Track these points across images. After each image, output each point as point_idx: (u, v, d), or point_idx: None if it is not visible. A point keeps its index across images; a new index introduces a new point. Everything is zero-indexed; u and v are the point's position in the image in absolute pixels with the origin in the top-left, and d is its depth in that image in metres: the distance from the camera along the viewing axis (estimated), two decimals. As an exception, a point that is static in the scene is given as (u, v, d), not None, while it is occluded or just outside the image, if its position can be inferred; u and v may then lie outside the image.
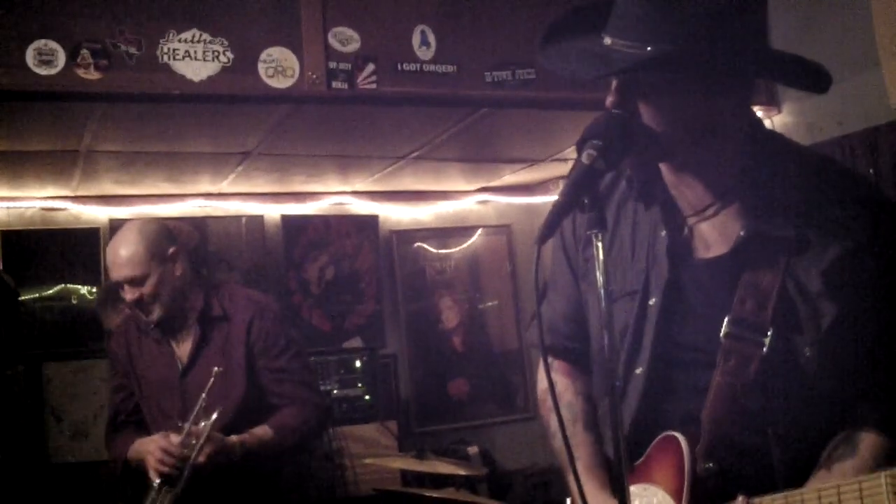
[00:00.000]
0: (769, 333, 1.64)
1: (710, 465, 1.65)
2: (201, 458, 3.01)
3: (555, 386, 2.02)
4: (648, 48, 1.58)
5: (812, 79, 1.63)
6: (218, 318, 3.32)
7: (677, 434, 1.70)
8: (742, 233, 1.69)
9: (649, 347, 1.76)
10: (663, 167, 1.79)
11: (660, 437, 1.74)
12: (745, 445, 1.65)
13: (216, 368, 3.13)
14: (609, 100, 1.66)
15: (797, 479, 1.61)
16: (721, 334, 1.68)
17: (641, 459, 1.76)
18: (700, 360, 1.72)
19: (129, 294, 3.25)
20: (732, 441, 1.65)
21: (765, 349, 1.64)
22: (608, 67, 1.63)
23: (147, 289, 3.22)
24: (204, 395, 3.11)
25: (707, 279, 1.75)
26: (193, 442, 3.05)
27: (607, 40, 1.65)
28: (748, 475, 1.61)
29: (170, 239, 3.32)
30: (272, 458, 3.26)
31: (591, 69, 1.66)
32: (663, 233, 1.78)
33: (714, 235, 1.75)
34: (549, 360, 2.06)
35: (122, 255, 3.23)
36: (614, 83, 1.65)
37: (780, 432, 1.64)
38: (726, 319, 1.68)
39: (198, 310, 3.32)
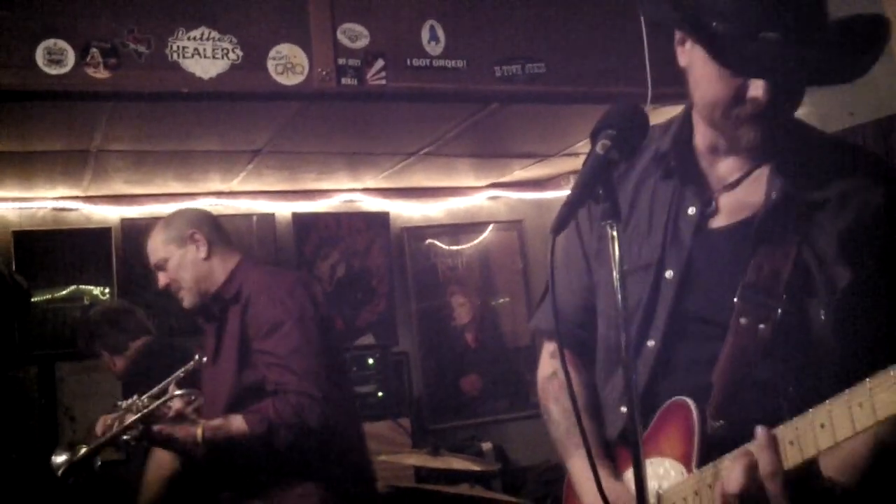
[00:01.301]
0: (784, 297, 1.66)
1: (721, 422, 1.65)
2: (126, 436, 3.00)
3: (558, 374, 2.04)
4: (819, 48, 1.64)
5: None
6: (230, 300, 3.25)
7: (685, 398, 1.70)
8: (771, 197, 1.71)
9: (664, 320, 1.77)
10: (702, 145, 1.81)
11: (665, 405, 1.74)
12: (756, 407, 1.65)
13: (197, 357, 3.16)
14: (758, 96, 1.64)
15: None
16: (735, 298, 1.69)
17: (645, 433, 1.76)
18: (710, 333, 1.73)
19: (160, 280, 3.34)
20: (743, 402, 1.66)
21: (779, 312, 1.65)
22: (793, 70, 1.65)
23: (170, 273, 3.29)
24: (173, 381, 3.11)
25: (722, 248, 1.76)
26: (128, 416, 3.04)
27: (767, 34, 1.61)
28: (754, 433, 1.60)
29: (190, 222, 3.34)
30: (260, 454, 3.02)
31: (778, 72, 1.65)
32: (692, 210, 1.79)
33: (734, 205, 1.77)
34: (553, 347, 2.10)
35: (150, 243, 3.35)
36: (764, 83, 1.63)
37: (791, 395, 1.64)
38: (741, 283, 1.69)
39: (216, 293, 3.29)
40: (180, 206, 5.65)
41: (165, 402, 3.07)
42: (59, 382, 5.46)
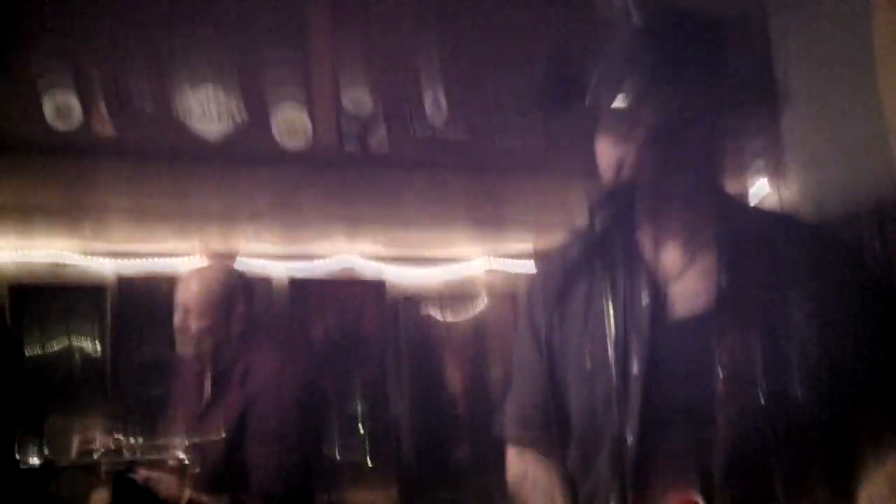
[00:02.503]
0: (764, 382, 1.65)
1: None
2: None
3: (533, 480, 1.99)
4: (670, 102, 1.63)
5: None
6: (231, 379, 3.26)
7: (692, 495, 1.67)
8: (721, 283, 1.71)
9: (637, 416, 1.74)
10: (644, 235, 1.81)
11: (671, 502, 1.71)
12: (755, 493, 1.64)
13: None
14: (627, 161, 1.67)
15: None
16: (719, 389, 1.67)
17: None
18: (690, 421, 1.71)
19: (178, 319, 3.23)
20: (743, 491, 1.64)
21: (761, 398, 1.64)
22: (634, 127, 1.66)
23: (197, 325, 3.21)
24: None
25: (688, 339, 1.74)
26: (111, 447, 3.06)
27: (618, 101, 1.67)
28: None
29: (245, 296, 3.32)
30: None
31: (615, 128, 1.69)
32: (645, 302, 1.78)
33: (688, 294, 1.77)
34: (522, 450, 2.05)
35: (196, 283, 3.26)
36: (631, 146, 1.67)
37: (786, 476, 1.63)
38: (722, 376, 1.68)
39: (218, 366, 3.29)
40: (179, 264, 5.72)
41: (166, 457, 3.07)
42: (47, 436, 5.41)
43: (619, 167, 1.68)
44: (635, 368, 1.75)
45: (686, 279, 1.77)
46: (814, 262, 1.72)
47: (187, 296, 3.25)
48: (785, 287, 1.70)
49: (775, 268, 1.72)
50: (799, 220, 1.90)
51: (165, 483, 3.04)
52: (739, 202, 1.89)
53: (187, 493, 3.02)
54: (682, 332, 1.75)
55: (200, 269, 3.41)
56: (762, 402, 1.65)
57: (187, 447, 3.11)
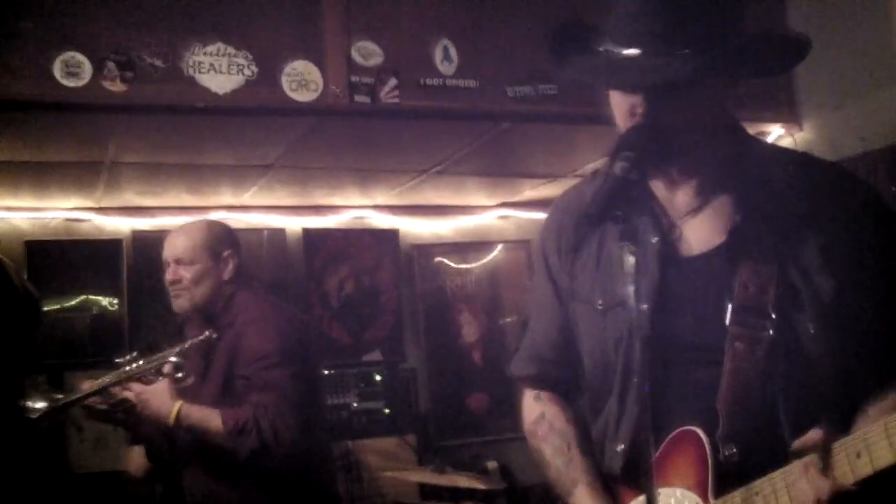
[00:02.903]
0: (773, 316, 1.66)
1: (732, 450, 1.65)
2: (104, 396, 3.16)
3: (550, 419, 2.03)
4: (681, 53, 1.62)
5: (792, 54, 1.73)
6: (225, 325, 3.30)
7: (693, 427, 1.69)
8: (738, 218, 1.72)
9: (645, 352, 1.75)
10: (656, 176, 1.82)
11: (670, 436, 1.74)
12: (759, 427, 1.66)
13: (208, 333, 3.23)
14: (635, 111, 1.68)
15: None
16: (727, 323, 1.69)
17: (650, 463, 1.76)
18: (699, 359, 1.73)
19: (169, 273, 3.32)
20: (749, 426, 1.66)
21: (771, 332, 1.66)
22: (645, 77, 1.66)
23: (189, 274, 3.29)
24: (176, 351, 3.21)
25: (699, 275, 1.76)
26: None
27: (628, 51, 1.67)
28: (764, 455, 1.61)
29: (231, 242, 3.39)
30: (222, 456, 3.12)
31: (626, 80, 1.70)
32: (654, 239, 1.79)
33: (701, 232, 1.78)
34: (537, 391, 2.09)
35: (181, 236, 3.36)
36: (636, 96, 1.68)
37: (791, 410, 1.65)
38: (730, 308, 1.69)
39: (216, 313, 3.34)
40: (191, 219, 5.74)
41: (159, 365, 3.16)
42: (67, 392, 5.47)
43: (632, 115, 1.69)
44: (644, 306, 1.76)
45: (700, 216, 1.78)
46: (827, 199, 1.72)
47: (174, 249, 3.35)
48: (798, 224, 1.71)
49: (789, 205, 1.72)
50: (813, 158, 1.90)
51: (158, 396, 3.10)
52: (754, 140, 1.89)
53: (178, 404, 3.08)
54: (695, 269, 1.77)
55: (182, 225, 3.50)
56: (770, 338, 1.66)
57: (180, 352, 3.22)
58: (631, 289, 1.73)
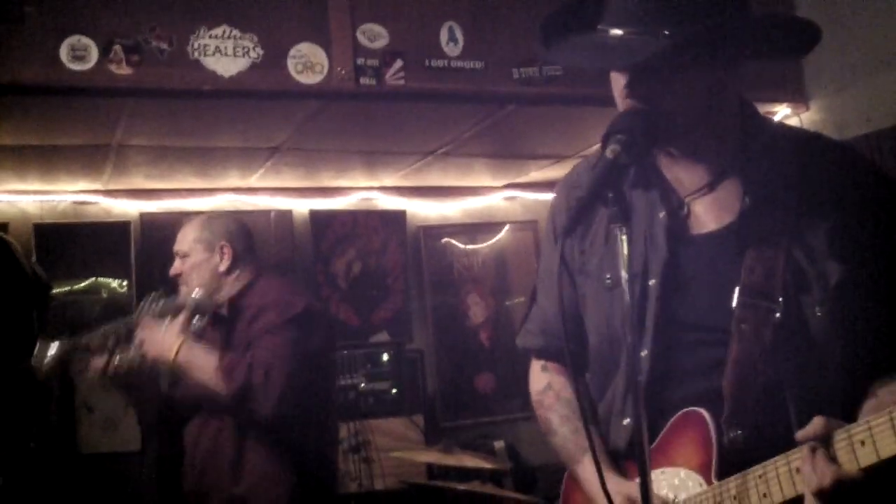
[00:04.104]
0: (780, 299, 1.66)
1: (738, 432, 1.65)
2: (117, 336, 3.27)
3: (556, 389, 2.04)
4: (665, 33, 1.61)
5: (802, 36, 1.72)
6: (239, 313, 3.36)
7: (698, 409, 1.70)
8: (747, 200, 1.72)
9: (651, 329, 1.76)
10: (664, 154, 1.82)
11: (675, 416, 1.74)
12: (765, 410, 1.66)
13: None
14: (625, 91, 1.69)
15: None
16: (734, 304, 1.69)
17: (654, 444, 1.76)
18: (705, 339, 1.74)
19: (174, 267, 3.45)
20: (754, 409, 1.66)
21: (778, 315, 1.66)
22: (629, 56, 1.66)
23: (185, 267, 3.41)
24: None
25: (707, 254, 1.76)
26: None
27: (614, 31, 1.67)
28: (769, 439, 1.61)
29: (226, 233, 3.44)
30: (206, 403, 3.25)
31: (610, 60, 1.71)
32: (662, 214, 1.80)
33: (711, 211, 1.78)
34: (544, 362, 2.11)
35: (183, 230, 3.48)
36: (627, 76, 1.68)
37: (797, 394, 1.65)
38: (737, 289, 1.69)
39: (229, 301, 3.39)
40: (199, 201, 5.76)
41: (179, 305, 3.26)
42: (76, 374, 5.49)
43: (625, 96, 1.70)
44: (652, 282, 1.77)
45: (711, 196, 1.79)
46: (836, 180, 1.72)
47: (177, 243, 3.47)
48: (807, 205, 1.70)
49: (798, 186, 1.72)
50: (823, 138, 1.89)
51: (164, 333, 3.20)
52: (765, 120, 1.88)
53: (182, 340, 3.17)
54: (703, 248, 1.77)
55: (191, 219, 3.56)
56: (777, 321, 1.66)
57: (202, 295, 3.32)
58: (641, 264, 1.75)
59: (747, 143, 1.78)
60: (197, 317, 3.26)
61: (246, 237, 3.51)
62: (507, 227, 6.77)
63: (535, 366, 2.16)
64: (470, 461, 4.48)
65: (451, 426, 6.28)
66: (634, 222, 1.80)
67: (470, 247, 6.67)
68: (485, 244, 6.72)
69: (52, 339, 3.26)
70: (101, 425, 5.47)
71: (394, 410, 5.78)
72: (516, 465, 5.89)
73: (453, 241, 6.62)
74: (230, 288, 3.40)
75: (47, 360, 3.20)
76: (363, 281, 6.27)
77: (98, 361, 3.32)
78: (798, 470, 1.50)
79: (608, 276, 1.85)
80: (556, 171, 6.26)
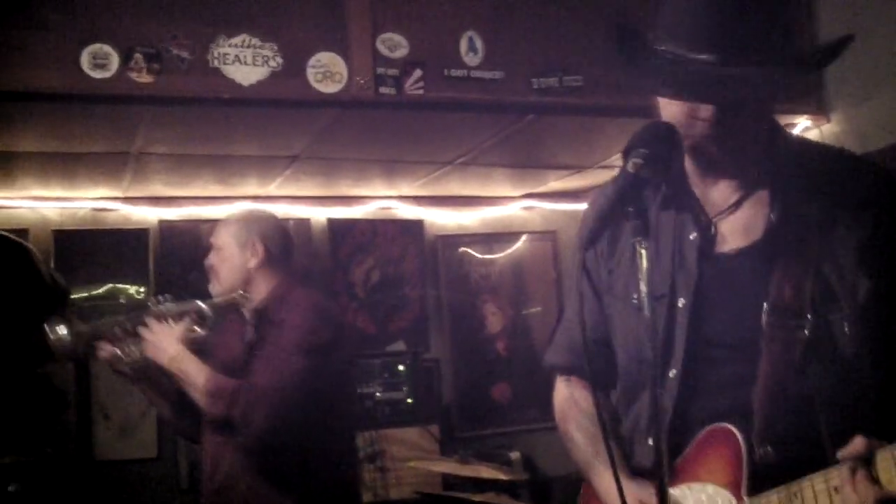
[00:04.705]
0: (808, 316, 1.65)
1: (768, 448, 1.64)
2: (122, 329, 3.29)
3: (577, 400, 2.04)
4: (755, 61, 1.60)
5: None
6: (270, 321, 3.33)
7: (728, 424, 1.68)
8: (773, 217, 1.72)
9: (682, 348, 1.75)
10: (690, 170, 1.81)
11: (703, 432, 1.73)
12: (796, 426, 1.65)
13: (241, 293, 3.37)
14: (703, 116, 1.66)
15: None
16: (763, 322, 1.68)
17: (680, 459, 1.75)
18: (734, 357, 1.73)
19: (207, 259, 3.48)
20: (784, 426, 1.65)
21: (807, 331, 1.65)
22: (724, 91, 1.63)
23: (216, 260, 3.43)
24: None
25: (735, 271, 1.76)
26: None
27: (697, 56, 1.61)
28: (799, 455, 1.61)
29: (260, 232, 3.44)
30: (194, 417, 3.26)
31: (704, 95, 1.66)
32: (693, 235, 1.79)
33: (738, 229, 1.77)
34: (569, 377, 2.10)
35: (220, 224, 3.52)
36: (715, 108, 1.65)
37: (827, 409, 1.64)
38: (765, 307, 1.68)
39: (256, 307, 3.39)
40: (218, 209, 5.77)
41: (185, 309, 3.30)
42: (94, 380, 5.52)
43: (693, 118, 1.67)
44: (681, 302, 1.76)
45: (737, 214, 1.78)
46: (863, 196, 1.72)
47: (213, 236, 3.50)
48: (834, 222, 1.70)
49: (825, 203, 1.71)
50: (849, 154, 1.89)
51: (164, 335, 3.22)
52: (791, 136, 1.89)
53: (179, 349, 3.19)
54: (730, 266, 1.77)
55: (231, 213, 3.64)
56: (806, 338, 1.65)
57: (210, 303, 3.36)
58: (669, 284, 1.74)
59: (774, 159, 1.77)
60: (196, 326, 3.26)
61: (282, 239, 3.52)
62: (524, 237, 6.75)
63: (560, 380, 2.16)
64: (486, 472, 4.47)
65: (468, 436, 6.26)
66: (661, 242, 1.80)
67: (488, 256, 6.66)
68: (502, 254, 6.71)
69: (59, 321, 3.25)
70: (118, 432, 5.48)
71: (410, 420, 5.77)
72: (532, 476, 5.86)
73: (471, 251, 6.61)
74: (259, 287, 3.39)
75: (60, 338, 3.19)
76: (381, 290, 6.26)
77: (109, 348, 3.31)
78: (836, 489, 1.48)
79: (635, 295, 1.83)
80: (576, 182, 6.25)
